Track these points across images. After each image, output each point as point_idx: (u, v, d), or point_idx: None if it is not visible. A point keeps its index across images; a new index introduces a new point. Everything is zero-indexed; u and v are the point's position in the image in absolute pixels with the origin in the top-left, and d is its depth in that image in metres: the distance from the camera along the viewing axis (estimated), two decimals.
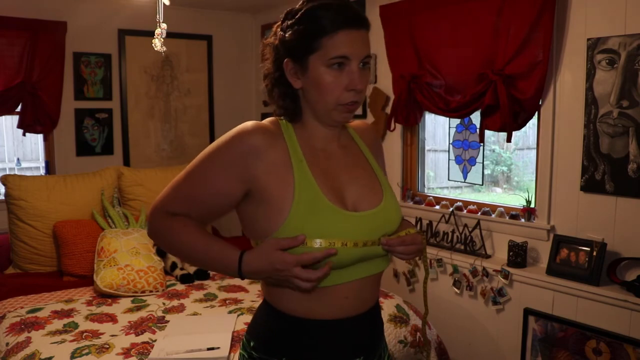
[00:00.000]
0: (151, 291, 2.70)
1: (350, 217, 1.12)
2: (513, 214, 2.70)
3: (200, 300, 2.61)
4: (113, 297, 2.62)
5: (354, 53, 1.09)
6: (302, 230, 1.06)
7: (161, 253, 2.93)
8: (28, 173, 4.19)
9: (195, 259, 1.16)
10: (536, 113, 2.54)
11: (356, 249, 1.10)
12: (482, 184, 3.02)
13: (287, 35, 1.12)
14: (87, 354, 1.98)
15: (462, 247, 2.87)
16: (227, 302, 2.58)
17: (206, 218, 1.20)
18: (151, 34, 2.51)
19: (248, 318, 2.34)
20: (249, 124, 1.14)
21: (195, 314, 2.44)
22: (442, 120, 3.24)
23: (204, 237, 1.13)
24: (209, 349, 2.00)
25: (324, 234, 1.07)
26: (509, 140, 2.58)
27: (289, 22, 1.13)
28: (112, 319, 2.35)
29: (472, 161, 2.97)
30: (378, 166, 1.29)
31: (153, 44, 2.50)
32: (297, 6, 1.14)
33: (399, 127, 3.21)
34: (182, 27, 3.97)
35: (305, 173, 1.12)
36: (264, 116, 4.40)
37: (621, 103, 2.19)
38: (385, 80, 3.25)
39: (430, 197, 3.14)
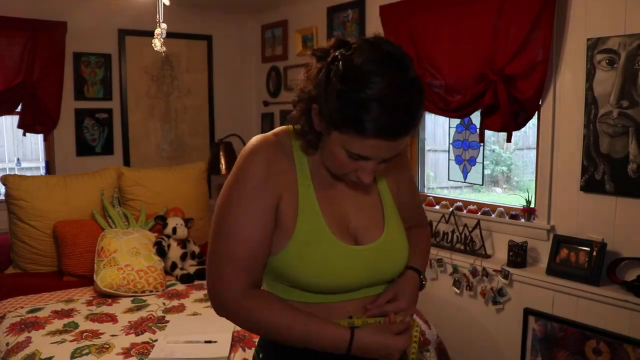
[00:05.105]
0: (151, 291, 2.70)
1: (351, 251, 1.07)
2: (513, 214, 2.71)
3: (201, 300, 2.61)
4: (113, 297, 2.62)
5: (377, 157, 1.00)
6: (299, 259, 1.04)
7: (161, 253, 2.93)
8: (28, 173, 4.19)
9: (291, 339, 1.04)
10: (536, 113, 2.54)
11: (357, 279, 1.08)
12: (482, 184, 3.02)
13: (329, 85, 0.96)
14: (87, 354, 1.98)
15: (462, 247, 2.87)
16: None
17: (262, 272, 1.08)
18: (151, 34, 2.51)
19: None
20: (254, 141, 1.07)
21: (195, 314, 2.44)
22: (442, 120, 3.23)
23: (297, 315, 1.04)
24: (206, 341, 2.06)
25: (321, 266, 1.04)
26: (509, 140, 2.58)
27: (340, 68, 0.94)
28: (112, 319, 2.36)
29: (472, 161, 2.98)
30: (388, 191, 1.20)
31: (153, 44, 2.50)
32: (361, 48, 0.95)
33: None
34: (182, 27, 3.97)
35: (310, 199, 1.07)
36: (264, 117, 4.40)
37: (621, 103, 2.19)
38: None
39: (430, 197, 3.15)
